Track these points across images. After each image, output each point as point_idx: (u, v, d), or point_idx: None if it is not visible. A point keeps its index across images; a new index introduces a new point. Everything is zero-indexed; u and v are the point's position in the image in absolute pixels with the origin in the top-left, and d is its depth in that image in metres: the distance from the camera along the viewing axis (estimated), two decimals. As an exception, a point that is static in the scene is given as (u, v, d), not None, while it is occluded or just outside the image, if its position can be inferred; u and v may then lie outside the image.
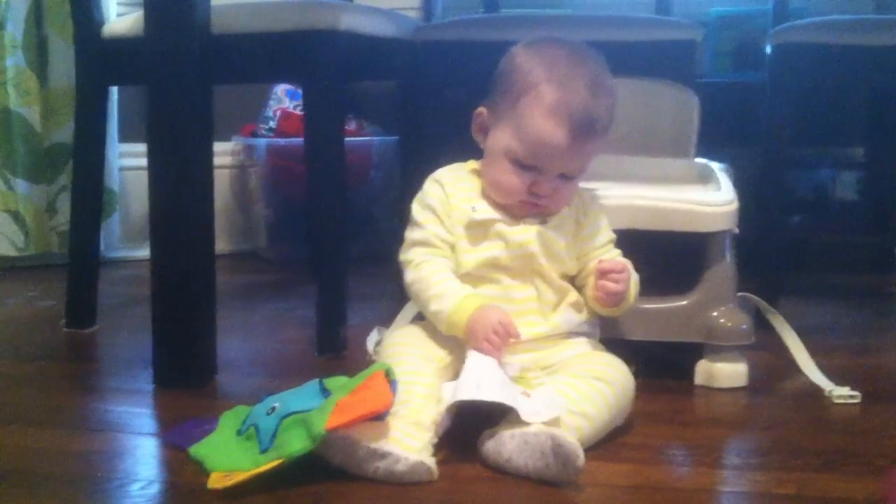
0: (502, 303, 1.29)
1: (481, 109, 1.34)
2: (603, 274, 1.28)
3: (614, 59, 1.80)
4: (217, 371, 1.52)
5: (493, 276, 1.31)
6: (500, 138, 1.29)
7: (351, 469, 1.08)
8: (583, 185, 1.38)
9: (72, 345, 1.76)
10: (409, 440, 1.10)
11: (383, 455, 1.07)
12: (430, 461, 1.09)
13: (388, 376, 1.12)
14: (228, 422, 1.22)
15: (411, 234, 1.34)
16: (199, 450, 1.16)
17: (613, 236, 1.38)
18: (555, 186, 1.28)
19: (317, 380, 1.19)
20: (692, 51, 1.90)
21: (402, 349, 1.26)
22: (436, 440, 1.14)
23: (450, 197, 1.33)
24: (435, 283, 1.28)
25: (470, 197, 1.33)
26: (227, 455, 1.13)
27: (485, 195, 1.33)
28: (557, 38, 1.33)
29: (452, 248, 1.32)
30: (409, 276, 1.32)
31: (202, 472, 1.11)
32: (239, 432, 1.17)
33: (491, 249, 1.30)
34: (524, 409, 1.10)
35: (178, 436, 1.22)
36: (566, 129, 1.24)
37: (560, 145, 1.24)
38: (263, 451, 1.10)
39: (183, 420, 1.28)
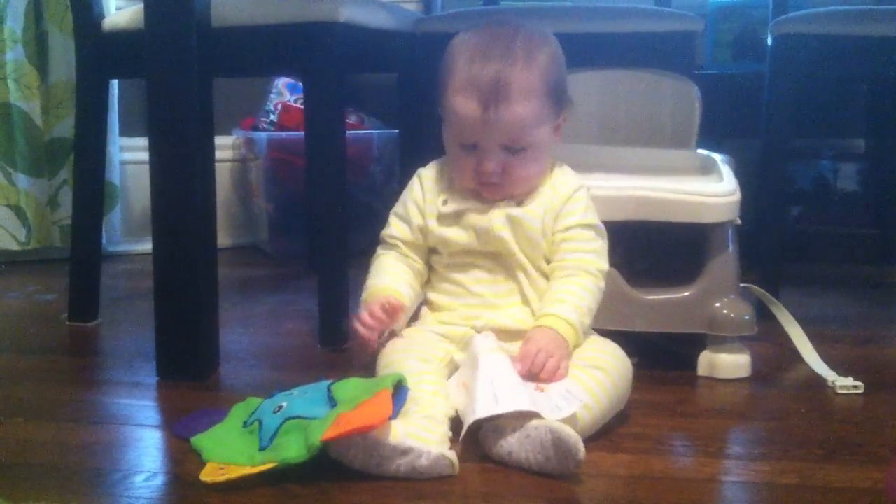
0: (485, 297, 1.32)
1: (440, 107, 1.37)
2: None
3: (615, 50, 1.80)
4: (219, 363, 1.52)
5: (473, 269, 1.33)
6: (446, 127, 1.34)
7: (371, 470, 1.07)
8: (585, 176, 1.38)
9: (74, 338, 1.76)
10: (428, 434, 1.10)
11: (405, 451, 1.07)
12: (451, 454, 1.09)
13: (401, 384, 1.14)
14: (238, 412, 1.23)
15: (387, 225, 1.41)
16: (201, 440, 1.16)
17: (591, 222, 1.34)
18: (501, 161, 1.29)
19: (326, 383, 1.18)
20: (693, 42, 1.90)
21: (402, 355, 1.25)
22: (451, 434, 1.14)
23: (426, 191, 1.37)
24: (370, 275, 1.38)
25: (444, 189, 1.36)
26: (227, 447, 1.13)
27: (459, 188, 1.35)
28: (496, 22, 1.35)
29: (417, 244, 1.37)
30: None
31: (202, 462, 1.11)
32: (245, 424, 1.18)
33: (461, 238, 1.33)
34: (544, 410, 1.10)
35: (184, 427, 1.22)
36: (475, 98, 1.26)
37: (474, 115, 1.27)
38: (261, 449, 1.10)
39: (188, 412, 1.28)
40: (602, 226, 1.36)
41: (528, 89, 1.27)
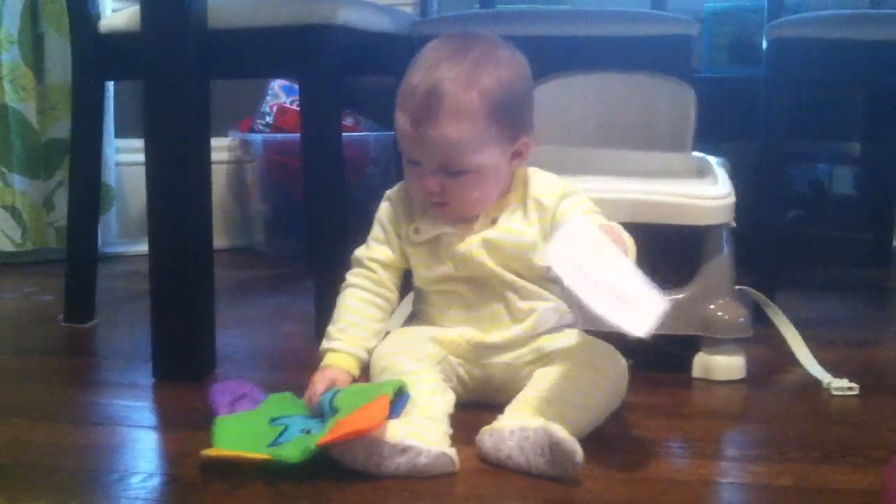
0: (470, 322, 1.29)
1: None
2: None
3: (610, 54, 1.81)
4: (216, 365, 1.52)
5: (456, 292, 1.29)
6: None
7: (372, 469, 1.07)
8: (580, 179, 1.38)
9: (70, 339, 1.76)
10: (427, 433, 1.10)
11: (405, 450, 1.07)
12: (451, 451, 1.09)
13: (402, 390, 1.14)
14: (272, 406, 1.23)
15: (365, 246, 1.35)
16: (223, 422, 1.17)
17: (592, 208, 1.30)
18: (440, 182, 1.23)
19: (330, 394, 1.18)
20: (688, 46, 1.91)
21: (396, 357, 1.24)
22: (451, 432, 1.14)
23: (398, 215, 1.32)
24: (336, 315, 1.32)
25: (414, 215, 1.31)
26: (239, 436, 1.14)
27: (428, 213, 1.30)
28: (465, 33, 1.28)
29: (396, 267, 1.33)
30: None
31: (208, 444, 1.12)
32: (272, 420, 1.19)
33: (439, 267, 1.29)
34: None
35: (219, 395, 1.24)
36: (407, 115, 1.21)
37: (405, 132, 1.22)
38: (268, 446, 1.12)
39: (184, 413, 1.28)
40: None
41: (463, 110, 1.19)
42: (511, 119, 1.24)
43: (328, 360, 1.28)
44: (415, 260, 1.31)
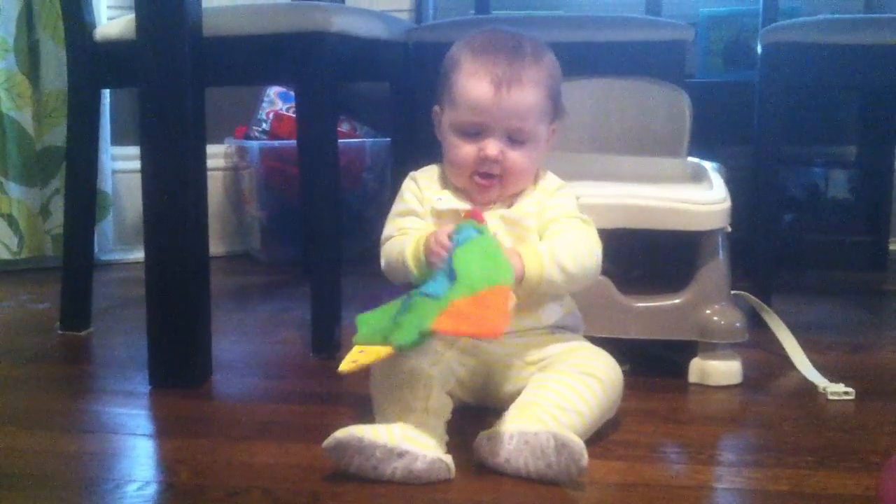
0: None
1: (435, 108, 1.37)
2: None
3: (606, 59, 1.81)
4: (212, 372, 1.52)
5: None
6: (445, 119, 1.33)
7: (368, 474, 1.08)
8: (576, 185, 1.39)
9: (66, 347, 1.76)
10: (425, 438, 1.10)
11: (401, 454, 1.07)
12: (447, 458, 1.09)
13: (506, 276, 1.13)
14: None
15: (386, 227, 1.37)
16: (365, 316, 1.19)
17: (574, 214, 1.34)
18: (503, 150, 1.29)
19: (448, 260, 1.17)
20: (683, 51, 1.91)
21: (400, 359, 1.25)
22: (447, 438, 1.14)
23: (422, 189, 1.36)
24: (397, 250, 1.31)
25: (438, 189, 1.36)
26: (373, 326, 1.15)
27: (450, 186, 1.35)
28: (495, 29, 1.36)
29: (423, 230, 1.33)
30: (383, 262, 1.35)
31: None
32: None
33: None
34: None
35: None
36: (487, 79, 1.27)
37: (486, 97, 1.27)
38: (392, 321, 1.12)
39: (180, 421, 1.28)
40: (588, 217, 1.34)
41: (537, 80, 1.29)
42: (557, 100, 1.34)
43: (417, 236, 1.28)
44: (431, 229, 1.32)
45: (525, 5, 2.55)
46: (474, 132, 1.30)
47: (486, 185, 1.31)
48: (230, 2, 2.44)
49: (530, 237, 1.31)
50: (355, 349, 1.12)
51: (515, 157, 1.30)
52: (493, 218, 1.30)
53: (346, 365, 1.09)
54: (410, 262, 1.27)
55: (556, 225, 1.32)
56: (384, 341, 1.10)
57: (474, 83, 1.28)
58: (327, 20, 1.58)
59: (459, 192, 1.34)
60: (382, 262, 1.35)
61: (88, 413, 1.40)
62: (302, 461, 1.16)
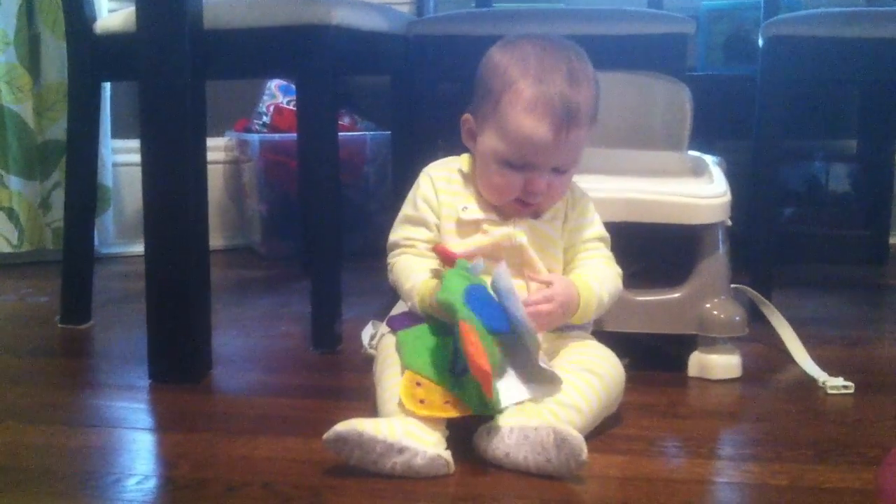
0: None
1: (467, 116, 1.33)
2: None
3: (606, 52, 1.80)
4: (212, 366, 1.52)
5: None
6: (488, 142, 1.28)
7: (368, 467, 1.08)
8: (577, 178, 1.39)
9: (66, 341, 1.76)
10: (424, 434, 1.10)
11: (401, 450, 1.07)
12: (447, 454, 1.09)
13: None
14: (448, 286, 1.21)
15: (395, 231, 1.36)
16: (406, 335, 1.21)
17: (604, 234, 1.37)
18: (549, 181, 1.27)
19: (484, 286, 1.19)
20: (684, 44, 1.91)
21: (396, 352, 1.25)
22: (447, 433, 1.14)
23: (439, 193, 1.33)
24: (406, 276, 1.30)
25: (461, 196, 1.33)
26: (423, 356, 1.17)
27: (477, 196, 1.33)
28: (533, 34, 1.31)
29: (433, 242, 1.32)
30: (390, 277, 1.35)
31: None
32: (440, 332, 1.20)
33: (477, 241, 1.30)
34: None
35: (395, 321, 1.28)
36: (547, 122, 1.23)
37: (544, 140, 1.23)
38: (452, 372, 1.14)
39: (180, 415, 1.28)
40: (606, 235, 1.37)
41: (590, 113, 1.27)
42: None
43: (427, 286, 1.26)
44: (452, 234, 1.32)
45: (526, -2, 2.55)
46: (521, 164, 1.27)
47: (526, 209, 1.31)
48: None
49: (549, 247, 1.32)
50: (409, 376, 1.14)
51: (558, 184, 1.29)
52: (522, 224, 1.30)
53: (411, 403, 1.11)
54: (418, 308, 1.27)
55: (587, 253, 1.34)
56: (442, 383, 1.13)
57: (532, 124, 1.23)
58: (328, 13, 1.58)
59: (483, 198, 1.32)
60: (390, 277, 1.34)
61: (88, 407, 1.40)
62: (302, 455, 1.16)
